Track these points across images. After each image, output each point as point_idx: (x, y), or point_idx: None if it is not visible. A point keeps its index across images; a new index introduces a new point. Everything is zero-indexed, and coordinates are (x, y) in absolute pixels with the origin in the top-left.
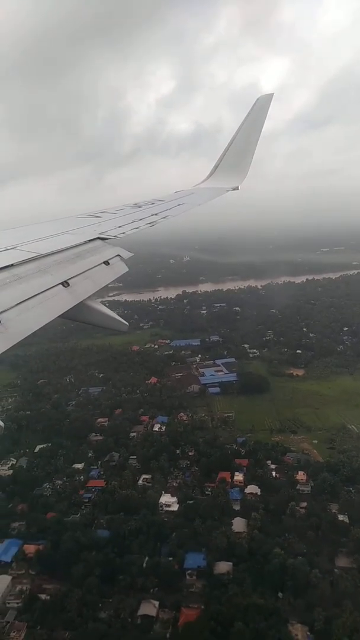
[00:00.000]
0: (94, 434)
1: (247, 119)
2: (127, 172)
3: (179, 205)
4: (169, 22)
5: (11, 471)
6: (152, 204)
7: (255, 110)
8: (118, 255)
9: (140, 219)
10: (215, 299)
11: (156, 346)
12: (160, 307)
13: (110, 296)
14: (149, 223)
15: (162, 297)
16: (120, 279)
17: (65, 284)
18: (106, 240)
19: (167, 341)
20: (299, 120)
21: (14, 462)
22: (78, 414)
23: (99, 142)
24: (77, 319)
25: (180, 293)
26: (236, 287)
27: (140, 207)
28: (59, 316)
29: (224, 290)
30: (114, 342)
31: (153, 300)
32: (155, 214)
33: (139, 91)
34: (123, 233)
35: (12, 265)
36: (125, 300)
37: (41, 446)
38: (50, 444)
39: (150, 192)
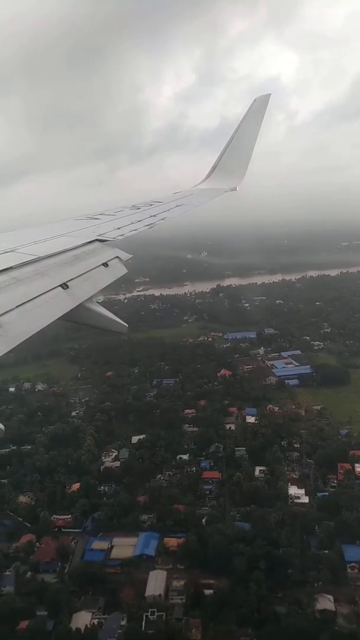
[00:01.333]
0: (186, 425)
1: (245, 120)
2: (146, 167)
3: (177, 206)
4: (193, 16)
5: (117, 463)
6: (151, 205)
7: (253, 111)
8: (117, 257)
9: (139, 221)
10: (252, 292)
11: (210, 339)
12: (197, 300)
13: (139, 291)
14: (148, 224)
15: (196, 291)
16: (145, 273)
17: (64, 286)
18: (105, 242)
19: (219, 334)
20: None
21: (116, 454)
22: (165, 405)
23: (118, 137)
24: (76, 321)
25: (215, 287)
26: (270, 281)
27: (138, 208)
28: (58, 318)
29: (258, 283)
30: (164, 335)
31: (188, 294)
32: (154, 216)
33: (159, 85)
34: (122, 235)
35: (11, 267)
36: (160, 294)
37: (137, 437)
38: (145, 435)
39: (171, 187)
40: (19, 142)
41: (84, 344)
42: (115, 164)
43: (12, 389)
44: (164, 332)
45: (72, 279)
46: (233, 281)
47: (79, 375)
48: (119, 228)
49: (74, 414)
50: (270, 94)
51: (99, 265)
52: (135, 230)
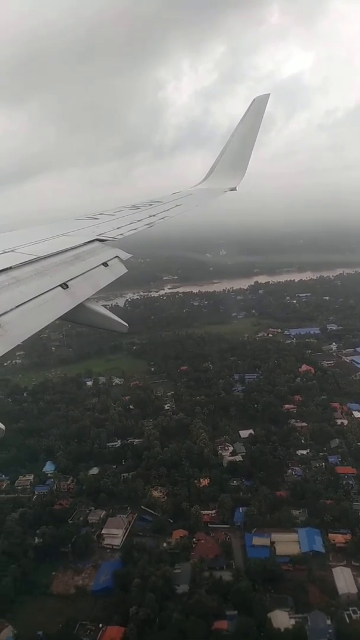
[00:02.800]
0: (293, 420)
1: (244, 120)
2: (167, 165)
3: (177, 206)
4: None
5: (238, 457)
6: (150, 205)
7: (252, 111)
8: (117, 256)
9: (138, 220)
10: (293, 289)
11: (270, 335)
12: (238, 297)
13: (169, 289)
14: (147, 224)
15: (233, 288)
16: (174, 272)
17: (64, 285)
18: (104, 242)
19: (278, 330)
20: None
21: (231, 448)
22: (263, 399)
23: (140, 135)
24: (77, 320)
25: (252, 284)
26: (307, 278)
27: (138, 208)
28: (58, 318)
29: (296, 281)
30: (219, 331)
31: (225, 291)
32: (153, 215)
33: (180, 83)
34: (121, 234)
35: (10, 267)
36: (199, 291)
37: (246, 432)
38: (252, 430)
39: (191, 184)
40: (39, 139)
41: (143, 340)
42: (137, 162)
43: (89, 383)
44: (217, 328)
45: (72, 279)
46: (263, 278)
47: (152, 369)
48: (118, 228)
49: (166, 407)
50: (269, 94)
51: (99, 265)
52: (135, 229)
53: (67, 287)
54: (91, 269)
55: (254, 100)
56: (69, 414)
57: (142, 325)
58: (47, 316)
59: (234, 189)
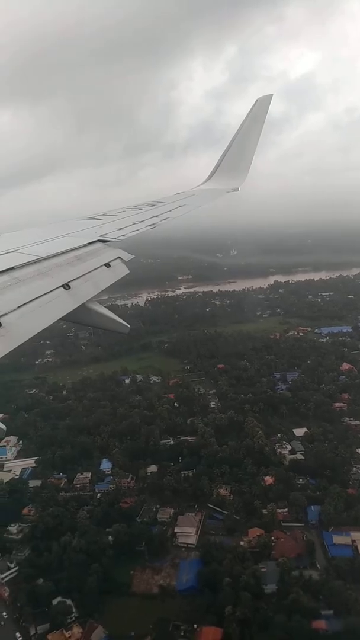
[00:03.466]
0: (346, 418)
1: (247, 120)
2: (179, 164)
3: (179, 207)
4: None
5: (297, 455)
6: (153, 205)
7: (255, 111)
8: (119, 257)
9: (141, 221)
10: (315, 288)
11: (301, 333)
12: (259, 296)
13: (186, 288)
14: (150, 225)
15: (253, 287)
16: (188, 271)
17: (66, 286)
18: (107, 243)
19: (308, 329)
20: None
21: (289, 446)
22: (315, 398)
23: (151, 134)
24: (78, 321)
25: (272, 283)
26: (326, 277)
27: (140, 209)
28: (60, 319)
29: (315, 280)
30: (245, 330)
31: (245, 291)
32: (156, 216)
33: (192, 82)
34: (123, 235)
35: (12, 268)
36: (218, 290)
37: (301, 430)
38: (307, 428)
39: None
40: (46, 139)
41: (172, 338)
42: (146, 162)
43: (127, 381)
44: (243, 327)
45: (73, 280)
46: (280, 278)
47: (187, 368)
48: (121, 229)
49: (212, 405)
50: (272, 95)
51: (101, 266)
52: (137, 230)
53: (69, 287)
54: (93, 270)
55: (256, 100)
56: (116, 412)
57: (167, 325)
58: (49, 317)
59: (236, 189)
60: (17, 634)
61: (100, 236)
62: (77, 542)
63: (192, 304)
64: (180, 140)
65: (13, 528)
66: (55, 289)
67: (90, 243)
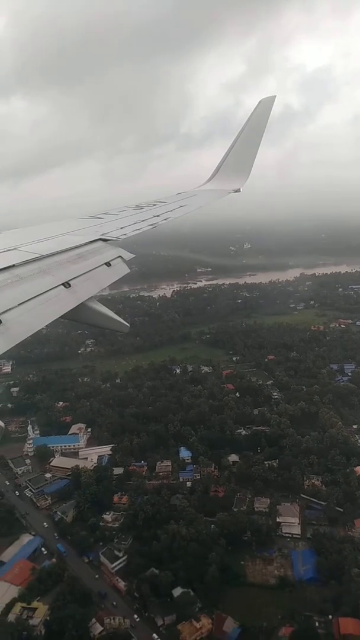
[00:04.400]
0: None
1: (249, 122)
2: (197, 155)
3: (180, 207)
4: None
5: None
6: (154, 205)
7: (258, 112)
8: (119, 256)
9: (142, 220)
10: (344, 280)
11: (343, 326)
12: (288, 288)
13: (207, 280)
14: (151, 224)
15: (279, 280)
16: (207, 264)
17: (66, 284)
18: (108, 241)
19: (349, 321)
20: None
21: None
22: None
23: (168, 126)
24: (78, 319)
25: (298, 276)
26: (353, 270)
27: (142, 208)
28: (60, 317)
29: (342, 273)
30: (282, 322)
31: (270, 283)
32: (157, 216)
33: (209, 74)
34: (125, 234)
35: (13, 265)
36: (244, 282)
37: None
38: None
39: None
40: (68, 128)
41: (212, 329)
42: (160, 154)
43: (177, 371)
44: (279, 319)
45: (74, 278)
46: (300, 272)
47: (234, 358)
48: (122, 228)
49: (275, 395)
50: (275, 96)
51: (102, 265)
52: (139, 230)
53: (70, 286)
54: (94, 269)
55: (259, 102)
56: (180, 400)
57: (201, 315)
58: (49, 315)
59: (238, 190)
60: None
61: (101, 235)
62: (186, 531)
63: (220, 296)
64: (197, 132)
65: (108, 516)
66: (55, 287)
67: (91, 242)
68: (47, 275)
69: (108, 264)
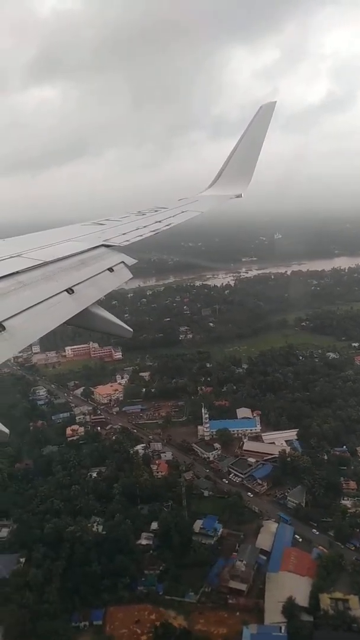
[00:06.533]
0: None
1: (250, 127)
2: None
3: (182, 212)
4: None
5: None
6: (156, 211)
7: (258, 117)
8: (122, 262)
9: (144, 227)
10: None
11: None
12: (354, 275)
13: (257, 269)
14: (153, 230)
15: (341, 267)
16: (253, 252)
17: (69, 290)
18: (110, 247)
19: None
20: None
21: None
22: None
23: (199, 114)
24: (81, 325)
25: (354, 266)
26: None
27: (144, 214)
28: (63, 322)
29: None
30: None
31: (339, 270)
32: (159, 222)
33: (245, 63)
34: (127, 241)
35: (17, 272)
36: (307, 270)
37: None
38: None
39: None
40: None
41: (308, 316)
42: (192, 141)
43: (301, 357)
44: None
45: (77, 284)
46: (345, 261)
47: (354, 344)
48: (124, 234)
49: None
50: (275, 102)
51: (105, 270)
52: (141, 236)
53: (73, 292)
54: (97, 274)
55: (260, 107)
56: (345, 386)
57: (284, 303)
58: (53, 320)
59: (239, 195)
60: None
61: (103, 241)
62: None
63: (289, 284)
64: (231, 120)
65: (347, 502)
66: (59, 293)
67: (94, 248)
68: (51, 281)
69: (111, 269)
